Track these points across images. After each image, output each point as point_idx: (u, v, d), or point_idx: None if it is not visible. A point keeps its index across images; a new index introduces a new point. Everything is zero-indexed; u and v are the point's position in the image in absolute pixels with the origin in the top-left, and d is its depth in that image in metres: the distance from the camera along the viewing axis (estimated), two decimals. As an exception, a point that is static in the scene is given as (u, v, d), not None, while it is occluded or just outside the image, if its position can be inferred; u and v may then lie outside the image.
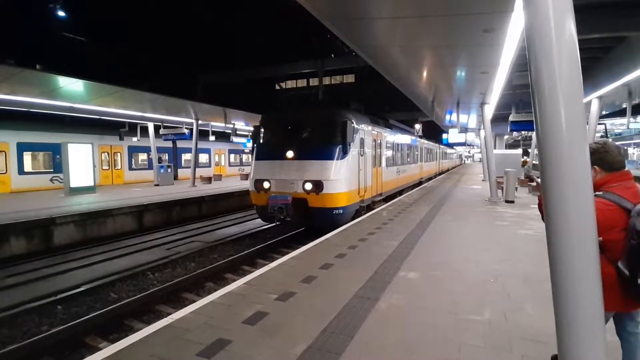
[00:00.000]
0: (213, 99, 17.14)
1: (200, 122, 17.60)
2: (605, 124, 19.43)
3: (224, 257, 8.17)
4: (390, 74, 9.54)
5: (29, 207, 10.45)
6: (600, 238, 1.72)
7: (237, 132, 20.16)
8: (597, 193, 1.94)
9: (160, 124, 18.30)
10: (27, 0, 29.52)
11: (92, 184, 14.35)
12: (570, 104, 1.61)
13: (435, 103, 15.15)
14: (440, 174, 30.17)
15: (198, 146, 18.19)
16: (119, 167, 19.79)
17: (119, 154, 19.70)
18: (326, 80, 30.04)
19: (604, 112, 16.64)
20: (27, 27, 29.74)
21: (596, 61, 10.27)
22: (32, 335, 4.58)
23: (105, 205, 10.88)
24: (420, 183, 20.11)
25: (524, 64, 4.38)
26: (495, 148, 18.35)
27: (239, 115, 17.38)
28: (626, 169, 2.12)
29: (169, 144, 22.12)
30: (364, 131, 9.89)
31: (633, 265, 1.84)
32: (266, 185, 9.00)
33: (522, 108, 15.07)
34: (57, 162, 15.71)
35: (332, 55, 24.32)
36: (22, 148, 15.13)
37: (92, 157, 14.44)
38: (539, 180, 1.82)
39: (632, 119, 13.98)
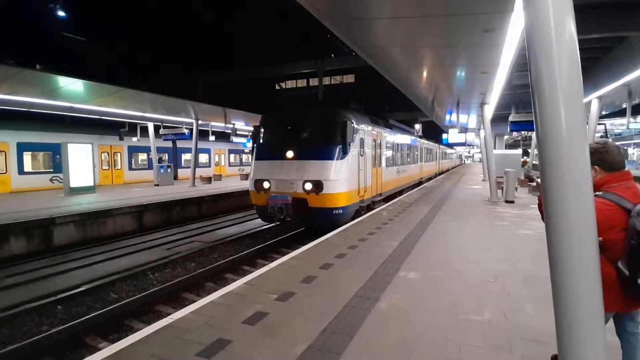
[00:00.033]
0: (213, 99, 17.14)
1: (200, 122, 17.61)
2: (605, 124, 19.44)
3: (224, 257, 8.17)
4: (390, 74, 9.54)
5: (29, 207, 10.45)
6: (600, 238, 1.72)
7: (237, 132, 20.16)
8: (597, 193, 1.94)
9: (160, 124, 18.30)
10: (27, 0, 29.52)
11: (92, 184, 14.35)
12: (570, 104, 1.61)
13: (435, 103, 15.15)
14: (440, 174, 30.18)
15: (198, 146, 18.19)
16: (119, 167, 19.80)
17: (118, 154, 19.70)
18: (326, 80, 30.03)
19: (603, 112, 16.63)
20: (27, 27, 29.77)
21: (596, 61, 10.27)
22: (32, 335, 4.58)
23: (105, 205, 10.88)
24: (420, 183, 20.12)
25: (524, 64, 4.38)
26: (495, 148, 18.35)
27: (239, 115, 17.38)
28: (626, 169, 2.12)
29: (169, 144, 22.13)
30: (364, 131, 9.89)
31: (633, 265, 1.84)
32: (266, 185, 9.00)
33: (522, 108, 15.07)
34: (57, 162, 15.71)
35: (332, 55, 24.32)
36: (22, 148, 15.14)
37: (92, 157, 14.44)
38: (539, 180, 1.82)
39: (631, 119, 13.98)
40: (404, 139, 15.69)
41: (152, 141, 18.63)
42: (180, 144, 22.90)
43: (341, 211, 8.55)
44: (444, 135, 23.75)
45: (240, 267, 7.53)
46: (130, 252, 8.70)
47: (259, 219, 10.27)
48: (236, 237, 9.98)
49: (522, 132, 26.99)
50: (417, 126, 26.62)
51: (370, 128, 10.60)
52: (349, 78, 36.72)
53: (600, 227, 1.69)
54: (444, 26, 5.86)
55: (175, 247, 9.22)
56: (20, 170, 15.11)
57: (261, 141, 9.76)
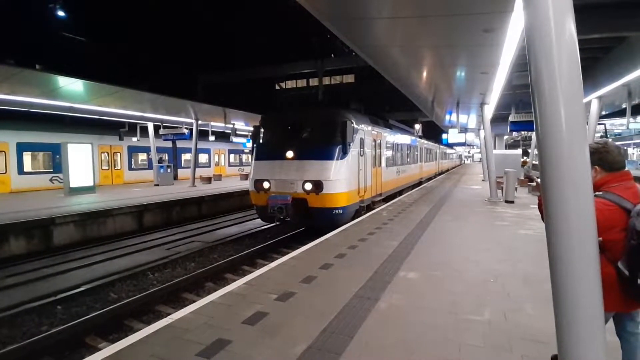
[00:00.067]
0: (213, 99, 17.14)
1: (200, 122, 17.61)
2: (605, 124, 19.45)
3: (223, 257, 8.17)
4: (390, 74, 9.54)
5: (29, 207, 10.45)
6: (600, 238, 1.72)
7: (237, 132, 20.16)
8: (597, 193, 1.94)
9: (160, 124, 18.30)
10: (27, 0, 29.52)
11: (91, 184, 14.35)
12: (570, 104, 1.61)
13: (435, 103, 15.15)
14: (440, 174, 30.19)
15: (198, 146, 18.19)
16: (119, 167, 19.80)
17: (118, 154, 19.70)
18: (326, 80, 30.02)
19: (603, 112, 16.64)
20: (27, 27, 29.73)
21: (596, 61, 10.28)
22: (32, 335, 4.58)
23: (105, 205, 10.88)
24: (420, 183, 20.12)
25: (524, 64, 4.38)
26: (495, 148, 18.34)
27: (239, 115, 17.38)
28: (626, 169, 2.12)
29: (169, 144, 22.13)
30: (363, 131, 9.89)
31: (633, 265, 1.84)
32: (266, 185, 9.00)
33: (522, 108, 15.07)
34: (56, 162, 15.72)
35: (332, 55, 24.32)
36: (21, 148, 15.14)
37: (92, 157, 14.44)
38: (538, 180, 1.82)
39: (631, 119, 13.99)
40: (403, 139, 15.69)
41: (152, 141, 18.63)
42: (180, 144, 22.90)
43: (341, 211, 8.55)
44: (444, 135, 23.75)
45: (240, 267, 7.52)
46: (130, 252, 8.70)
47: (259, 219, 10.27)
48: (236, 237, 9.98)
49: (522, 132, 27.00)
50: (417, 126, 26.61)
51: (370, 128, 10.60)
52: (349, 78, 36.73)
53: (600, 227, 1.69)
54: (444, 26, 5.86)
55: (175, 247, 9.22)
56: (20, 170, 15.11)
57: (261, 141, 9.76)
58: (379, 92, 26.80)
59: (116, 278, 6.77)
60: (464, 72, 9.03)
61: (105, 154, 19.03)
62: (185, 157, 24.25)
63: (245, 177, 22.11)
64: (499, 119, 18.14)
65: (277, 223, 9.02)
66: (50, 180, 16.19)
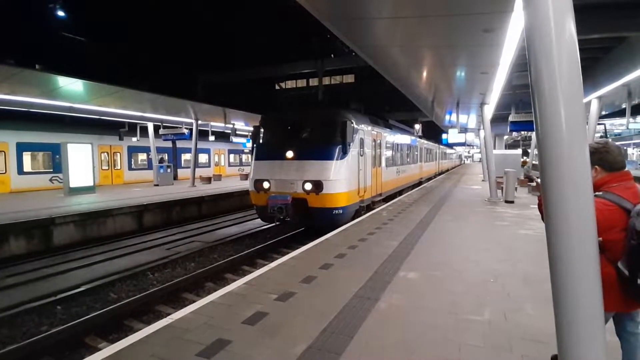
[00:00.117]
0: (213, 99, 17.13)
1: (200, 122, 17.61)
2: (605, 124, 19.45)
3: (223, 257, 8.17)
4: (390, 74, 9.54)
5: (29, 207, 10.45)
6: (600, 238, 1.72)
7: (237, 132, 20.16)
8: (597, 193, 1.94)
9: (160, 124, 18.29)
10: (27, 0, 29.51)
11: (91, 184, 14.34)
12: (570, 104, 1.61)
13: (435, 103, 15.15)
14: (440, 174, 30.19)
15: (198, 146, 18.19)
16: (119, 167, 19.80)
17: (118, 154, 19.70)
18: (326, 80, 30.00)
19: (603, 112, 16.64)
20: (27, 27, 29.71)
21: (596, 61, 10.28)
22: (31, 336, 4.58)
23: (104, 205, 10.87)
24: (420, 183, 20.13)
25: (524, 64, 4.38)
26: (494, 148, 18.35)
27: (239, 115, 17.37)
28: (626, 169, 2.12)
29: (169, 144, 22.13)
30: (363, 131, 9.89)
31: (633, 265, 1.84)
32: (266, 185, 9.00)
33: (521, 108, 15.07)
34: (56, 162, 15.71)
35: (332, 55, 24.31)
36: (21, 148, 15.14)
37: (92, 157, 14.44)
38: (538, 180, 1.82)
39: (631, 119, 13.99)
40: (403, 139, 15.69)
41: (151, 141, 18.63)
42: (180, 144, 22.90)
43: (341, 211, 8.55)
44: (444, 135, 23.75)
45: (240, 267, 7.53)
46: (130, 252, 8.70)
47: (259, 219, 10.27)
48: (236, 237, 9.98)
49: (522, 132, 27.00)
50: (417, 126, 26.60)
51: (370, 128, 10.60)
52: (349, 78, 36.72)
53: (600, 227, 1.69)
54: (444, 26, 5.86)
55: (175, 247, 9.22)
56: (20, 170, 15.11)
57: (261, 141, 9.76)
58: (379, 92, 26.79)
59: (116, 278, 6.77)
60: (464, 72, 9.03)
61: (105, 154, 19.02)
62: (185, 157, 24.24)
63: (245, 177, 22.12)
64: (499, 119, 18.14)
65: (277, 223, 9.02)
66: (50, 180, 16.19)
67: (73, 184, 13.52)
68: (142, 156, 21.29)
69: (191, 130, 17.72)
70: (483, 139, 14.75)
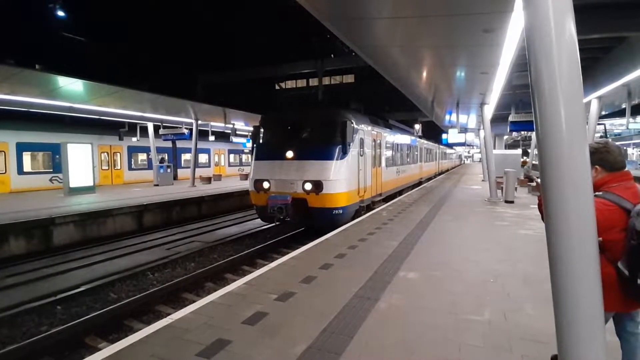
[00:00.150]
0: (213, 99, 17.13)
1: (200, 122, 17.60)
2: (604, 124, 19.46)
3: (223, 257, 8.17)
4: (390, 74, 9.54)
5: (29, 207, 10.45)
6: (600, 238, 1.72)
7: (237, 132, 20.16)
8: (597, 193, 1.94)
9: (159, 124, 18.29)
10: (27, 0, 29.51)
11: (91, 184, 14.34)
12: (570, 104, 1.61)
13: (435, 103, 15.15)
14: (439, 174, 30.19)
15: (198, 146, 18.19)
16: (119, 167, 19.79)
17: (118, 154, 19.70)
18: (326, 80, 30.00)
19: (603, 113, 16.64)
20: (27, 27, 29.70)
21: (596, 61, 10.28)
22: (31, 336, 4.58)
23: (104, 206, 10.87)
24: (420, 183, 20.13)
25: (524, 64, 4.38)
26: (494, 148, 18.36)
27: (239, 115, 17.37)
28: (626, 169, 2.12)
29: (169, 144, 22.12)
30: (363, 131, 9.89)
31: (633, 265, 1.84)
32: (266, 185, 9.00)
33: (521, 108, 15.07)
34: (56, 162, 15.71)
35: (332, 55, 24.30)
36: (21, 148, 15.13)
37: (92, 157, 14.44)
38: (538, 180, 1.82)
39: (631, 119, 13.99)
40: (403, 139, 15.69)
41: (151, 141, 18.63)
42: (180, 144, 22.89)
43: (341, 211, 8.55)
44: (444, 136, 23.75)
45: (240, 267, 7.52)
46: (130, 252, 8.70)
47: (259, 219, 10.27)
48: (236, 237, 9.97)
49: (522, 132, 27.00)
50: (417, 126, 26.59)
51: (370, 128, 10.60)
52: (349, 78, 36.72)
53: (600, 227, 1.69)
54: (444, 26, 5.86)
55: (175, 247, 9.22)
56: (20, 170, 15.10)
57: (261, 141, 9.76)
58: (379, 92, 26.80)
59: (116, 278, 6.77)
60: (464, 72, 9.03)
61: (105, 154, 19.02)
62: (185, 157, 24.24)
63: (245, 177, 22.12)
64: (499, 119, 18.14)
65: (277, 223, 9.02)
66: (50, 180, 16.19)
67: (73, 184, 13.52)
68: (142, 156, 21.29)
69: (191, 130, 17.72)
70: (483, 139, 14.75)
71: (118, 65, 27.62)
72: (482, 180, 19.16)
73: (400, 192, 14.92)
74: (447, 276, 4.59)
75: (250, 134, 15.40)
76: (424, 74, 9.58)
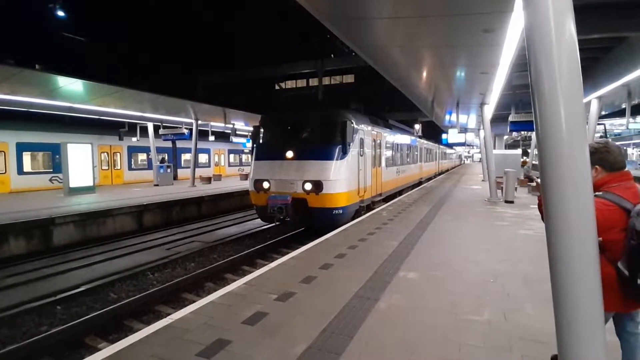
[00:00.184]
0: (213, 99, 17.13)
1: (199, 122, 17.60)
2: (604, 124, 19.45)
3: (223, 257, 8.17)
4: (390, 74, 9.54)
5: (29, 207, 10.45)
6: (600, 238, 1.72)
7: (237, 132, 20.16)
8: (597, 193, 1.94)
9: (159, 124, 18.29)
10: (27, 0, 29.51)
11: (91, 184, 14.34)
12: (570, 104, 1.61)
13: (435, 103, 15.15)
14: (439, 174, 30.19)
15: (198, 146, 18.19)
16: (119, 167, 19.79)
17: (118, 154, 19.70)
18: (326, 81, 30.00)
19: (603, 113, 16.64)
20: (27, 27, 29.70)
21: (596, 61, 10.28)
22: (31, 336, 4.58)
23: (104, 206, 10.87)
24: (420, 183, 20.13)
25: (524, 64, 4.38)
26: (494, 148, 18.35)
27: (239, 115, 17.37)
28: (626, 169, 2.12)
29: (169, 144, 22.13)
30: (363, 131, 9.90)
31: (633, 265, 1.84)
32: (266, 185, 9.00)
33: (521, 108, 15.07)
34: (56, 162, 15.71)
35: (332, 55, 24.30)
36: (21, 148, 15.13)
37: (92, 157, 14.44)
38: (538, 180, 1.82)
39: (631, 119, 13.99)
40: (403, 139, 15.69)
41: (151, 141, 18.63)
42: (179, 144, 22.90)
43: (341, 211, 8.55)
44: (444, 136, 23.75)
45: (240, 267, 7.52)
46: (130, 252, 8.70)
47: (259, 219, 10.27)
48: (236, 237, 9.97)
49: (522, 132, 27.00)
50: (417, 126, 26.59)
51: (370, 128, 10.60)
52: (349, 78, 36.73)
53: (600, 227, 1.69)
54: (444, 26, 5.86)
55: (175, 247, 9.22)
56: (20, 171, 15.10)
57: (261, 141, 9.76)
58: (379, 92, 26.80)
59: (116, 278, 6.77)
60: (464, 72, 9.03)
61: (105, 154, 19.02)
62: (185, 157, 24.24)
63: (245, 177, 22.12)
64: (499, 119, 18.14)
65: (277, 223, 9.02)
66: (50, 180, 16.19)
67: (73, 184, 13.51)
68: (142, 156, 21.29)
69: (191, 130, 17.72)
70: (483, 139, 14.76)
71: (118, 65, 27.66)
72: (482, 180, 19.16)
73: (400, 192, 14.92)
74: (447, 276, 4.59)
75: (250, 134, 15.39)
76: (424, 74, 9.58)
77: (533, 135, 22.17)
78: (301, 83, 38.97)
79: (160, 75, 28.54)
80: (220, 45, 36.73)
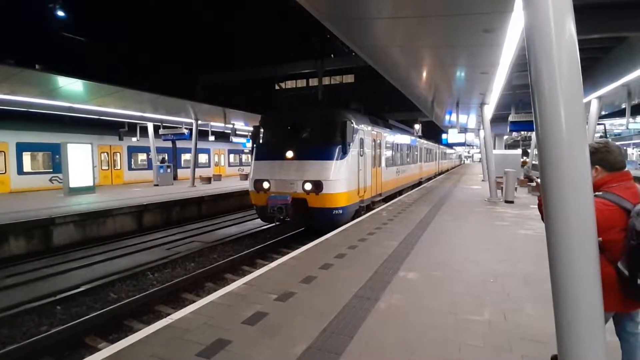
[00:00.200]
0: (213, 99, 17.12)
1: (199, 122, 17.60)
2: (604, 124, 19.45)
3: (223, 257, 8.17)
4: (390, 74, 9.54)
5: (29, 207, 10.45)
6: (600, 238, 1.72)
7: (237, 132, 20.16)
8: (596, 193, 1.94)
9: (159, 124, 18.29)
10: (27, 0, 29.50)
11: (91, 184, 14.34)
12: (570, 104, 1.61)
13: (435, 103, 15.15)
14: (439, 174, 30.19)
15: (197, 146, 18.19)
16: (119, 167, 19.79)
17: (118, 154, 19.70)
18: (326, 81, 29.98)
19: (603, 113, 16.64)
20: (27, 27, 29.73)
21: (596, 61, 10.28)
22: (31, 336, 4.58)
23: (104, 206, 10.87)
24: (420, 183, 20.13)
25: (524, 64, 4.38)
26: (494, 148, 18.35)
27: (239, 115, 17.37)
28: (626, 169, 2.12)
29: (169, 144, 22.12)
30: (363, 131, 9.90)
31: (633, 265, 1.84)
32: (266, 185, 9.00)
33: (521, 108, 15.07)
34: (56, 162, 15.70)
35: (332, 55, 24.29)
36: (21, 148, 15.13)
37: (92, 157, 14.43)
38: (538, 180, 1.82)
39: (631, 119, 13.99)
40: (403, 139, 15.69)
41: (151, 141, 18.63)
42: (179, 144, 22.90)
43: (341, 211, 8.55)
44: (444, 136, 23.75)
45: (240, 267, 7.52)
46: (130, 252, 8.70)
47: (259, 219, 10.27)
48: (236, 237, 9.97)
49: (522, 132, 26.99)
50: (417, 126, 26.58)
51: (369, 128, 10.60)
52: (349, 78, 36.74)
53: (600, 227, 1.69)
54: (444, 26, 5.85)
55: (175, 247, 9.22)
56: (20, 171, 15.10)
57: (261, 141, 9.76)
58: (379, 92, 26.81)
59: (116, 278, 6.77)
60: (464, 72, 9.03)
61: (105, 154, 19.02)
62: (185, 157, 24.24)
63: (245, 177, 22.12)
64: (499, 119, 18.13)
65: (277, 223, 9.02)
66: (50, 180, 16.18)
67: (73, 184, 13.51)
68: (142, 156, 21.29)
69: (191, 130, 17.72)
70: (483, 139, 14.75)
71: (118, 65, 27.67)
72: (482, 180, 19.16)
73: (400, 192, 14.92)
74: (447, 276, 4.59)
75: (250, 134, 15.39)
76: (424, 74, 9.58)
77: (533, 135, 22.17)
78: (301, 83, 38.98)
79: (160, 75, 28.57)
80: (220, 45, 36.79)
